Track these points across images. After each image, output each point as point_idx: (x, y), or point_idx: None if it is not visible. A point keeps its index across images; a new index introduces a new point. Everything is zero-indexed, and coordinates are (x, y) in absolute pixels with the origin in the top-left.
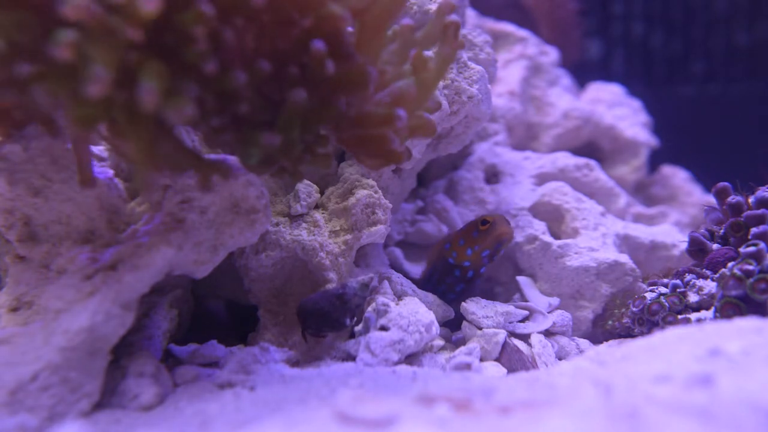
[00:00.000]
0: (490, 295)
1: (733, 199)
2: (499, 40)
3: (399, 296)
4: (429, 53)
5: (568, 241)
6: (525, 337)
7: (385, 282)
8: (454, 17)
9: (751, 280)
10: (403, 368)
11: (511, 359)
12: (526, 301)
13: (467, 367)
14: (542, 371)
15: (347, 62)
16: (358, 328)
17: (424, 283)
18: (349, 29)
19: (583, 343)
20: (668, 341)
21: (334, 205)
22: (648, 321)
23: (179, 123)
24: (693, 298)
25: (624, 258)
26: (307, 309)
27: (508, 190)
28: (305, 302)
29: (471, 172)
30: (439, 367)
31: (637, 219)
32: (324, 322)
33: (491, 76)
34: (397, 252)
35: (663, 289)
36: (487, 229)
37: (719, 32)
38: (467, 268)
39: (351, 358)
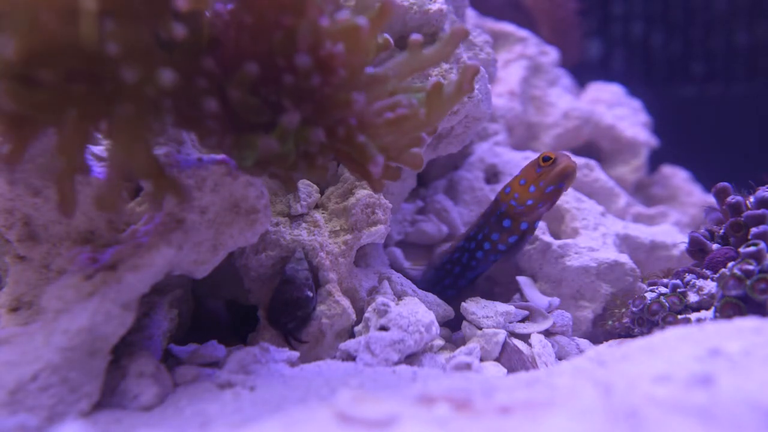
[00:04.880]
0: (490, 295)
1: (732, 199)
2: (499, 40)
3: (399, 296)
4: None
5: (568, 241)
6: (525, 337)
7: (385, 282)
8: (474, 62)
9: (751, 280)
10: (403, 368)
11: (511, 359)
12: (526, 301)
13: (467, 367)
14: (542, 371)
15: (331, 76)
16: (358, 327)
17: (468, 241)
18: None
19: (583, 343)
20: (668, 341)
21: (334, 205)
22: (648, 321)
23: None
24: (693, 298)
25: (624, 258)
26: (275, 310)
27: None
28: (269, 309)
29: (471, 172)
30: (439, 367)
31: (637, 219)
32: (294, 307)
33: (491, 76)
34: (397, 252)
35: (663, 289)
36: (551, 164)
37: (719, 32)
38: (521, 216)
39: (351, 358)
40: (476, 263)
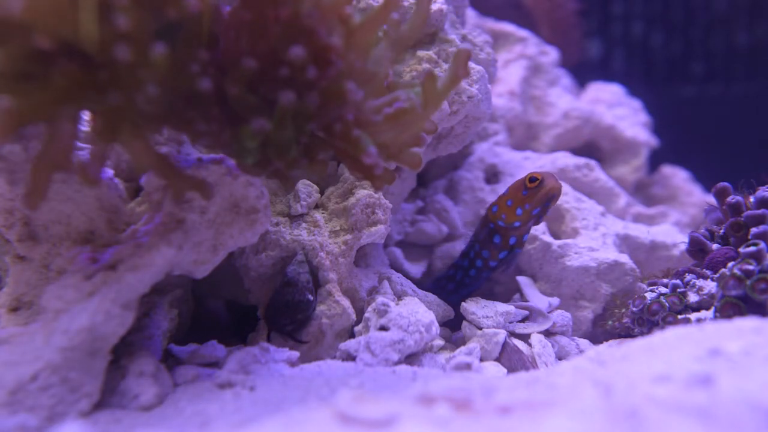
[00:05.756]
0: (490, 295)
1: (732, 199)
2: (499, 40)
3: (399, 296)
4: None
5: (568, 241)
6: (525, 337)
7: (385, 282)
8: (467, 45)
9: (751, 280)
10: (403, 368)
11: (511, 359)
12: (526, 301)
13: (467, 367)
14: (542, 371)
15: (328, 68)
16: (358, 327)
17: (462, 258)
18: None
19: (583, 343)
20: (668, 341)
21: (334, 205)
22: (648, 321)
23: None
24: (693, 298)
25: (624, 258)
26: (274, 310)
27: None
28: (268, 309)
29: (471, 172)
30: (439, 367)
31: (637, 219)
32: (294, 310)
33: (491, 76)
34: (397, 252)
35: (663, 289)
36: (537, 186)
37: (719, 32)
38: (510, 232)
39: (351, 358)
40: (470, 281)
